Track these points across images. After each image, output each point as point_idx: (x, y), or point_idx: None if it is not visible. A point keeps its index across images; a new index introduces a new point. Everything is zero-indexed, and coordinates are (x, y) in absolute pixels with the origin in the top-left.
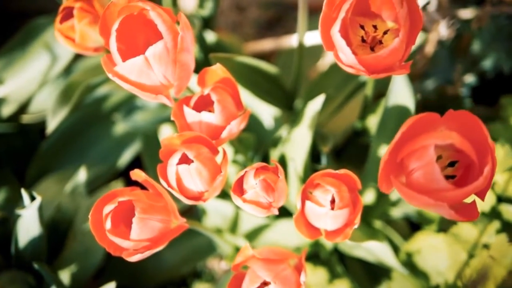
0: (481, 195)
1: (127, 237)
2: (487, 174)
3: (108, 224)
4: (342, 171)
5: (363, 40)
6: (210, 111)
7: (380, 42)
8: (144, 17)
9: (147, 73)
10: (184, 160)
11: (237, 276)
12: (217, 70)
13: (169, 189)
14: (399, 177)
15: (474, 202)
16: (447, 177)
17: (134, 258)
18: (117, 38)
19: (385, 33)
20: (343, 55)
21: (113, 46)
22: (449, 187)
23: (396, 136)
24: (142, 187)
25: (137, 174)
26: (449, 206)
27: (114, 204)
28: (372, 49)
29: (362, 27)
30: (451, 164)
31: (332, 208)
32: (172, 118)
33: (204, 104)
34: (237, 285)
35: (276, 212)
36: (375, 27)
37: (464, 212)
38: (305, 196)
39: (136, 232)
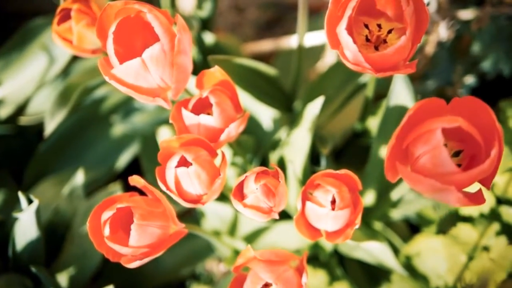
0: (487, 182)
1: (126, 243)
2: (494, 157)
3: (106, 231)
4: (343, 171)
5: (367, 40)
6: (208, 113)
7: (385, 41)
8: (141, 19)
9: (144, 76)
10: (183, 163)
11: (238, 277)
12: (216, 73)
13: (168, 192)
14: (405, 167)
15: (480, 189)
16: None
17: (133, 265)
18: (114, 41)
19: (389, 32)
20: (350, 53)
21: (110, 48)
22: (457, 170)
23: (402, 120)
24: (141, 190)
25: (135, 180)
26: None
27: (113, 211)
28: (377, 48)
29: (366, 26)
30: (456, 155)
31: (333, 209)
32: (170, 121)
33: (202, 107)
34: (238, 287)
35: (277, 217)
36: (379, 26)
37: (471, 197)
38: (306, 196)
39: (135, 239)
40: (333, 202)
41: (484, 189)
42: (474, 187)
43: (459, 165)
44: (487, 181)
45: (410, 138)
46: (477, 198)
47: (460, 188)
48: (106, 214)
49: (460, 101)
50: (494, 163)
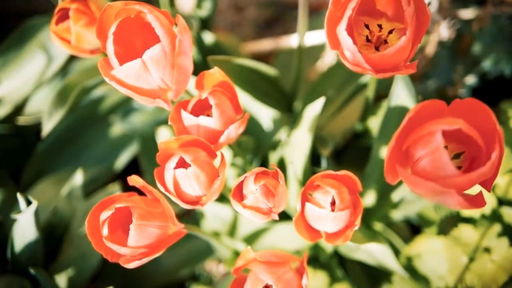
0: (488, 184)
1: (125, 243)
2: (494, 160)
3: (105, 231)
4: (342, 172)
5: (368, 40)
6: (208, 115)
7: (385, 41)
8: (142, 20)
9: (144, 77)
10: (182, 164)
11: (238, 279)
12: (215, 74)
13: (167, 193)
14: (405, 169)
15: (480, 192)
16: None
17: (131, 265)
18: (114, 42)
19: (390, 32)
20: (350, 54)
21: (110, 49)
22: (457, 173)
23: (403, 122)
24: (140, 190)
25: (134, 180)
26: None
27: (111, 211)
28: (377, 48)
29: (366, 26)
30: (457, 157)
31: (333, 210)
32: (169, 123)
33: (202, 108)
34: None
35: (276, 218)
36: (380, 26)
37: (471, 200)
38: (305, 198)
39: (133, 239)
40: (333, 203)
41: (485, 191)
42: (474, 189)
43: (459, 167)
44: (487, 184)
45: (410, 140)
46: (477, 201)
47: (461, 191)
48: (105, 214)
49: (461, 103)
50: (495, 165)
